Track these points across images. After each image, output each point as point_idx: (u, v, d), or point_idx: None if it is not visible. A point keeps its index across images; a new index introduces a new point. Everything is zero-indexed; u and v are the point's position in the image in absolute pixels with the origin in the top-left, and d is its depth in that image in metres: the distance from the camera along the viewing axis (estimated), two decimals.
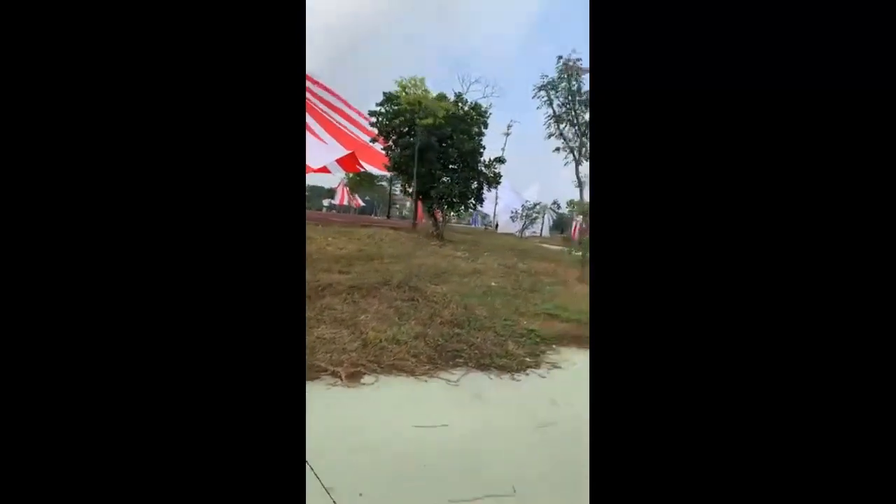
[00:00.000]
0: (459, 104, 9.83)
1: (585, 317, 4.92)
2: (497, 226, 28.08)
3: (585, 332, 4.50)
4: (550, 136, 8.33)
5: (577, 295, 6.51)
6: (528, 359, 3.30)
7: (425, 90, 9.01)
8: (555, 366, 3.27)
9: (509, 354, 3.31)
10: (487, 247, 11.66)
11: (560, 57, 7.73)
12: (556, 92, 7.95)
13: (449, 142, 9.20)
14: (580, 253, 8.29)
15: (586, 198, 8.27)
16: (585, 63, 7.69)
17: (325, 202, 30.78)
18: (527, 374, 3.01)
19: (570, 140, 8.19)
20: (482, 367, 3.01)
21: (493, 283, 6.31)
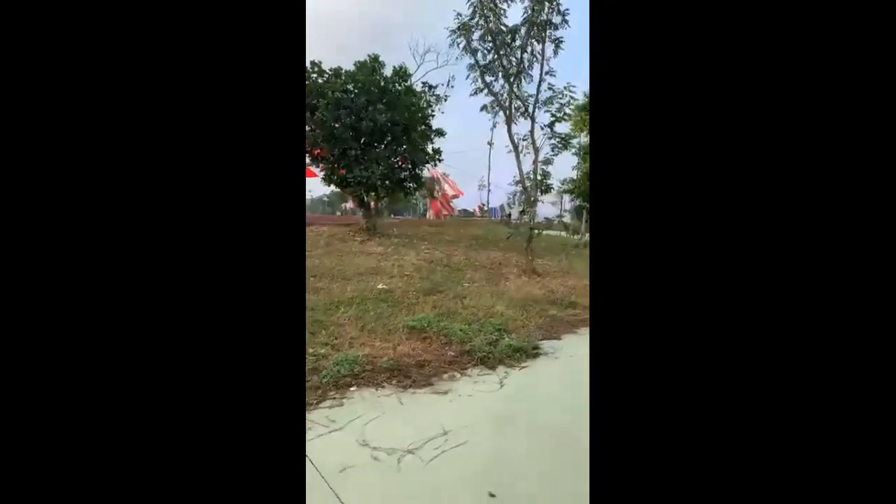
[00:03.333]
0: (376, 70, 8.42)
1: (466, 329, 3.57)
2: (510, 216, 26.25)
3: (448, 352, 3.17)
4: (477, 91, 6.88)
5: (498, 294, 5.15)
6: None
7: None
8: None
9: None
10: (444, 238, 10.36)
11: None
12: (473, 35, 6.48)
13: (363, 115, 7.83)
14: (525, 232, 6.84)
15: (527, 167, 6.81)
16: None
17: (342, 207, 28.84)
18: None
19: (499, 95, 6.73)
20: None
21: (380, 286, 5.00)
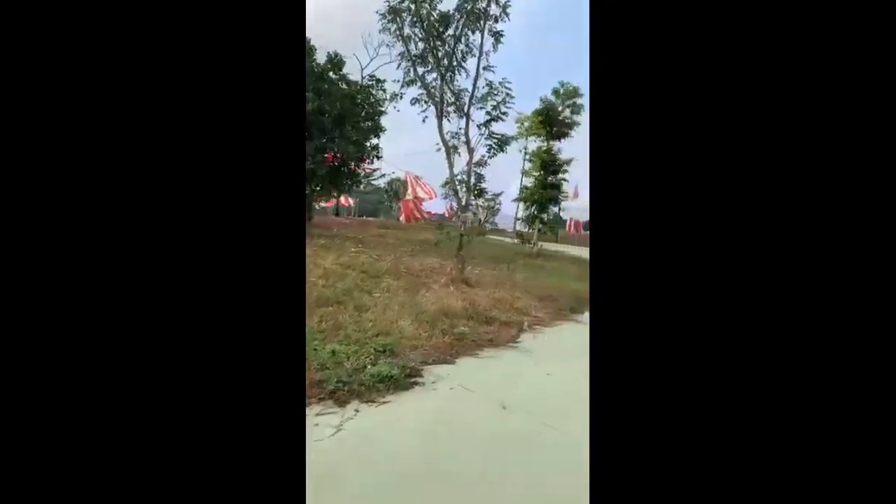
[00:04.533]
0: (308, 54, 7.75)
1: (340, 351, 3.00)
2: (481, 221, 26.14)
3: None
4: (408, 83, 6.35)
5: (411, 306, 4.60)
6: None
7: None
8: None
9: None
10: (386, 241, 9.79)
11: None
12: (402, 20, 5.96)
13: None
14: (457, 236, 6.35)
15: (459, 167, 6.34)
16: None
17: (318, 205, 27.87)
18: None
19: (430, 86, 6.23)
20: None
21: None
